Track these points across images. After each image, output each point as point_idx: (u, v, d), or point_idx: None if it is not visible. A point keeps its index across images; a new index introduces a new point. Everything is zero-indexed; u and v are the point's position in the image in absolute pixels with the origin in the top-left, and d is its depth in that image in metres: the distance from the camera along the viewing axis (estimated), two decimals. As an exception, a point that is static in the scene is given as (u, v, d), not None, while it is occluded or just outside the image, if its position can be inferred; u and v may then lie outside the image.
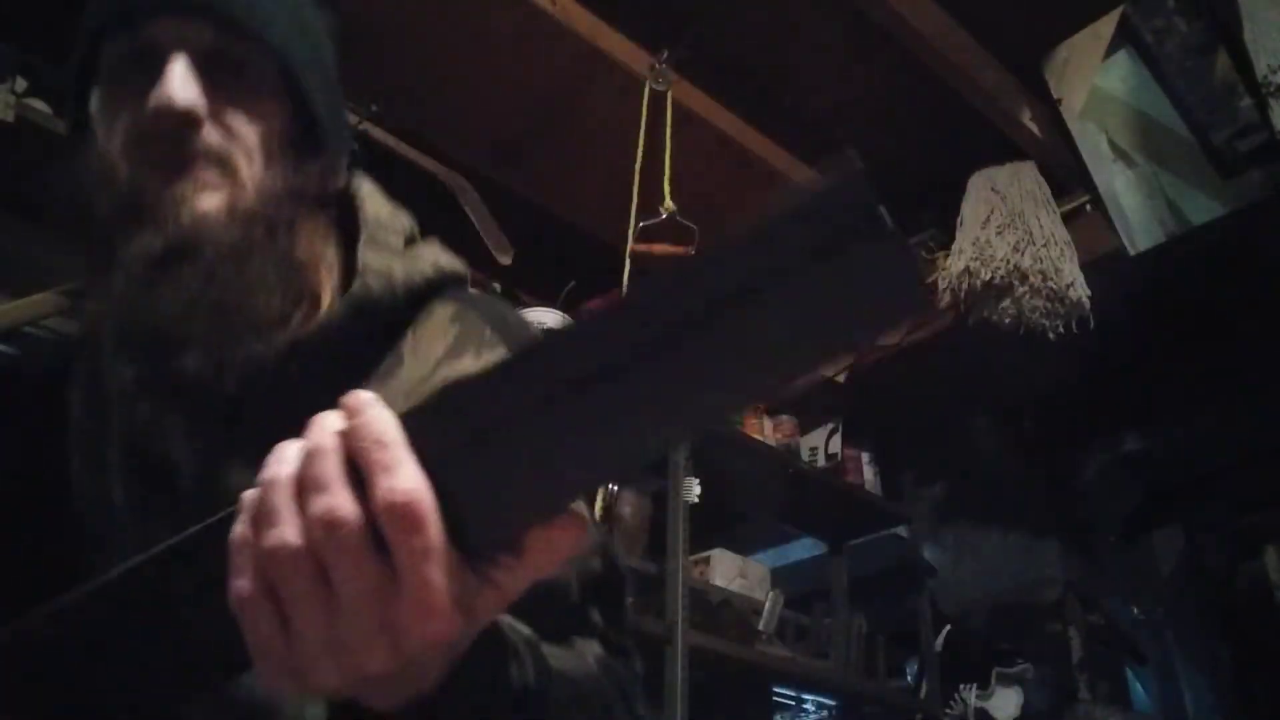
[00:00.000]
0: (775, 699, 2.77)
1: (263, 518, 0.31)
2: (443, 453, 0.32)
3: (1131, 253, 2.30)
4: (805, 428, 2.76)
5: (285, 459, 0.33)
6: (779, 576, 2.61)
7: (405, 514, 0.30)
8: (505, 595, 0.34)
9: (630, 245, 2.01)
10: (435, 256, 0.65)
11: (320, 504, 0.31)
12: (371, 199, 0.68)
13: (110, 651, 0.38)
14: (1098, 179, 2.33)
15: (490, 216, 2.20)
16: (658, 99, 2.15)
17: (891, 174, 2.58)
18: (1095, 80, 2.28)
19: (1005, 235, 2.29)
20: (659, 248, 2.03)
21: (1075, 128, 2.34)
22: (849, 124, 2.40)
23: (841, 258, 0.31)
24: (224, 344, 0.55)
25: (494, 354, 0.59)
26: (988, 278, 2.26)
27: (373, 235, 0.64)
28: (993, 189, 2.38)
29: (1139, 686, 3.14)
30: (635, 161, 2.08)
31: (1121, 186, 2.31)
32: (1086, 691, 2.78)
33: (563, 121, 2.28)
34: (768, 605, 2.34)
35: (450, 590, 0.31)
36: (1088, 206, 2.42)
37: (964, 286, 2.29)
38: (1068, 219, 2.39)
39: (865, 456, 2.79)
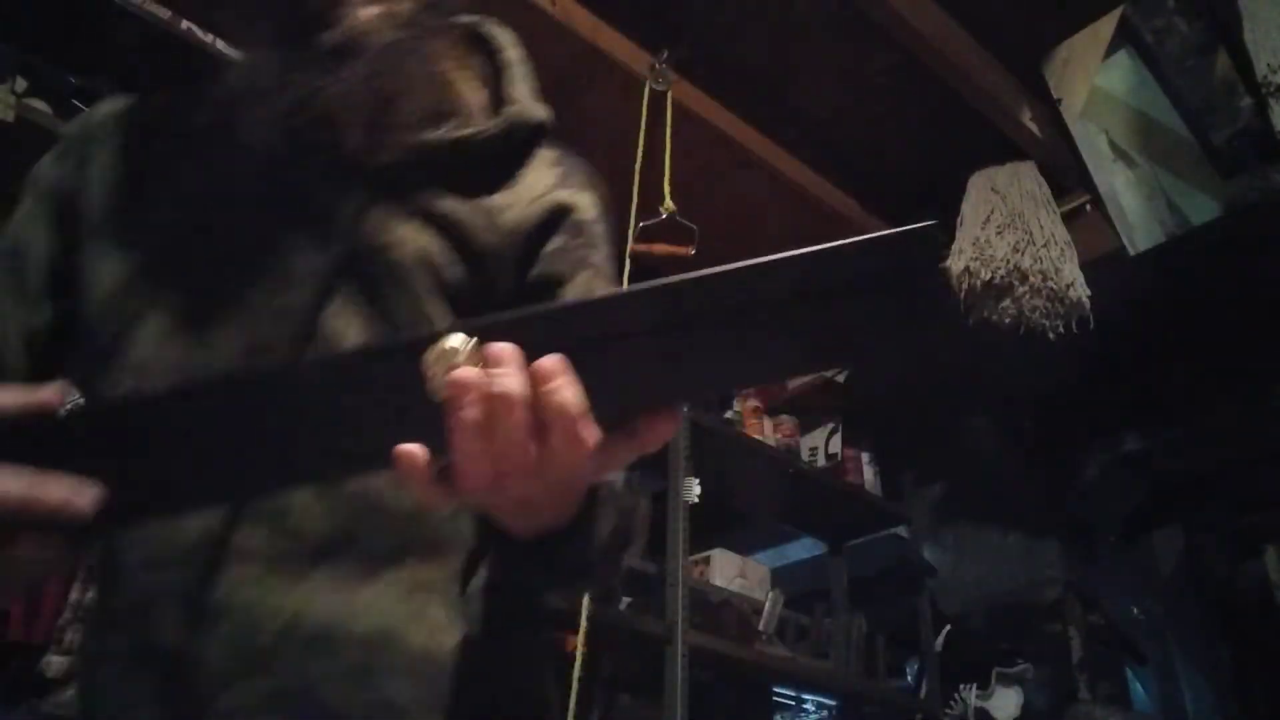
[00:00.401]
0: (775, 699, 2.78)
1: (494, 368, 0.41)
2: (582, 348, 0.43)
3: (1131, 253, 2.30)
4: (805, 428, 2.76)
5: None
6: (779, 576, 2.61)
7: (559, 383, 0.41)
8: (617, 462, 0.46)
9: (630, 245, 2.01)
10: (545, 109, 0.77)
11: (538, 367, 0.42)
12: (513, 46, 0.80)
13: (283, 425, 0.45)
14: (1098, 179, 2.33)
15: (490, 216, 2.20)
16: (658, 99, 2.15)
17: (891, 174, 2.58)
18: (1095, 80, 2.28)
19: (1005, 235, 2.29)
20: (659, 248, 2.03)
21: (1075, 128, 2.34)
22: (849, 124, 2.40)
23: (901, 287, 0.41)
24: (386, 126, 0.65)
25: (589, 194, 0.75)
26: (988, 278, 2.26)
27: (518, 74, 0.77)
28: (993, 189, 2.38)
29: (1139, 686, 3.14)
30: (635, 161, 2.08)
31: (1121, 186, 2.31)
32: (1086, 691, 2.78)
33: (562, 122, 2.28)
34: (768, 605, 2.34)
35: (588, 445, 0.42)
36: (1088, 206, 2.42)
37: (964, 286, 2.29)
38: (1068, 219, 2.39)
39: (865, 456, 2.79)
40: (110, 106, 0.79)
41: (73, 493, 0.43)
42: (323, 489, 0.59)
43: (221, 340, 0.63)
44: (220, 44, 1.89)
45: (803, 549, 3.24)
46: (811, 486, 2.58)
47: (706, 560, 2.36)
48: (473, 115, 0.72)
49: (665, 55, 2.16)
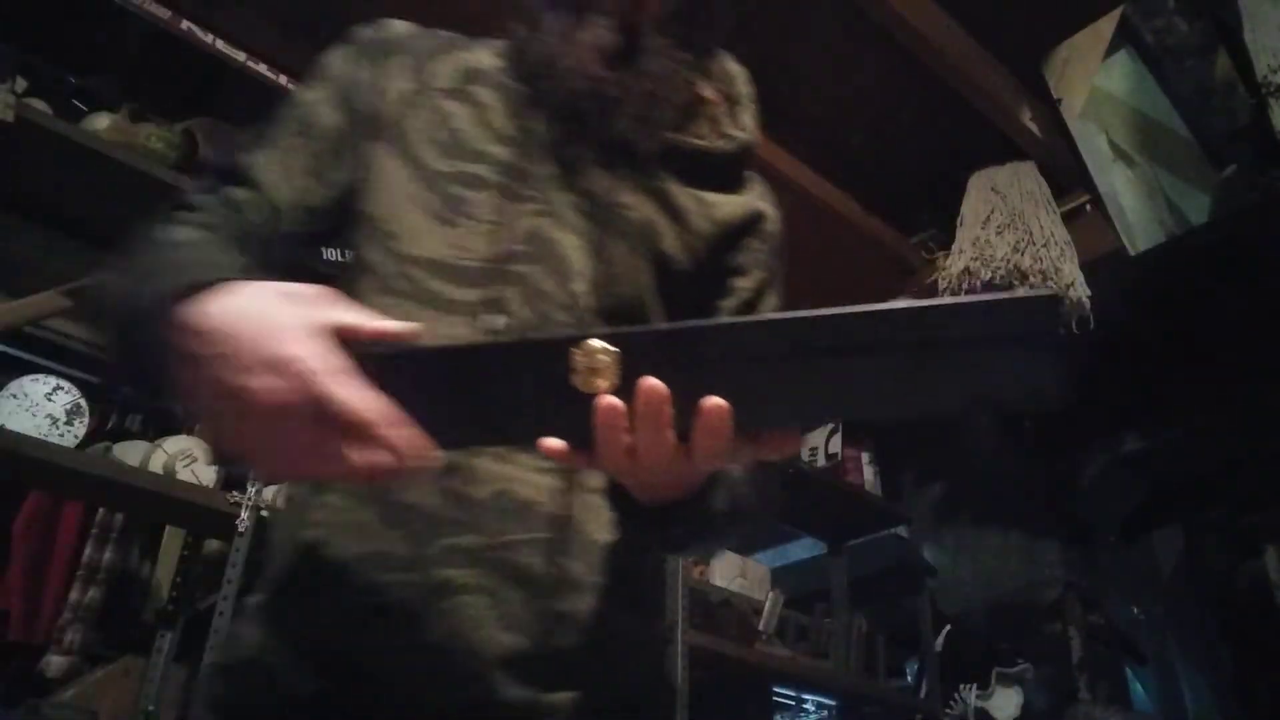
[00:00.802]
0: (775, 699, 2.78)
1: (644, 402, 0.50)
2: (724, 367, 0.49)
3: (1131, 253, 2.30)
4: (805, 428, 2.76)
5: None
6: (779, 576, 2.61)
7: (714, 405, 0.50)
8: (738, 461, 0.53)
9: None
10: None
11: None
12: (748, 81, 0.93)
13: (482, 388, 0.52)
14: (1098, 179, 2.34)
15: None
16: (658, 99, 2.15)
17: (891, 174, 2.58)
18: (1095, 80, 2.28)
19: (1005, 235, 2.29)
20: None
21: (1075, 128, 2.34)
22: (849, 124, 2.40)
23: (1024, 343, 0.46)
24: (649, 121, 0.78)
25: (776, 211, 0.88)
26: (988, 278, 2.26)
27: (748, 107, 0.90)
28: (993, 189, 2.39)
29: (1139, 686, 3.14)
30: (635, 161, 2.08)
31: (1121, 186, 2.31)
32: (1086, 691, 2.78)
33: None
34: (768, 605, 2.34)
35: (724, 448, 0.51)
36: (1088, 206, 2.42)
37: (964, 286, 2.29)
38: (1068, 219, 2.39)
39: (865, 456, 2.79)
40: (404, 28, 0.89)
41: (413, 443, 0.50)
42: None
43: (475, 241, 0.75)
44: (220, 44, 1.89)
45: (803, 549, 3.24)
46: (811, 486, 2.58)
47: (706, 560, 2.36)
48: (711, 129, 0.87)
49: (665, 55, 2.15)
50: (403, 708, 0.65)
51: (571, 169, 0.78)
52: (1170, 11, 2.14)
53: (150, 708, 1.70)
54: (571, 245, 0.76)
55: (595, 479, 0.71)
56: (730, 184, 0.86)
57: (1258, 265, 2.43)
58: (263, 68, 1.95)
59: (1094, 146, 2.33)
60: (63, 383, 1.56)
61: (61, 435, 1.53)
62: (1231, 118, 2.11)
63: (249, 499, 1.60)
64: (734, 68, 0.93)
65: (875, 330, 0.47)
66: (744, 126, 0.89)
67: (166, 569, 2.09)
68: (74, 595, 2.16)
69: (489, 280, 0.73)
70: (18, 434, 1.46)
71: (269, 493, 1.73)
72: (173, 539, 2.14)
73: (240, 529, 1.58)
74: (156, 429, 2.39)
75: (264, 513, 1.62)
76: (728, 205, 0.84)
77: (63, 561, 2.29)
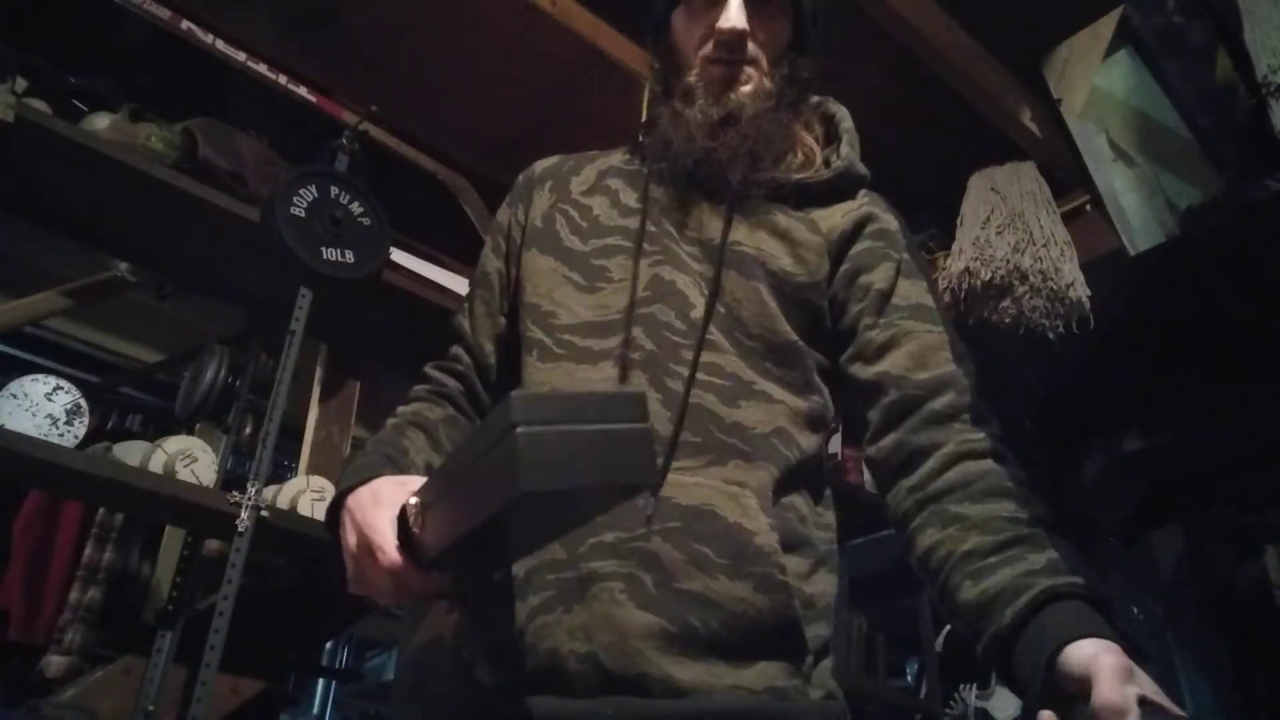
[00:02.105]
0: (775, 699, 2.77)
1: None
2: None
3: (1131, 253, 2.30)
4: (805, 428, 2.76)
5: None
6: (779, 576, 2.61)
7: None
8: None
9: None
10: (864, 167, 1.04)
11: None
12: (847, 119, 1.07)
13: None
14: (1098, 179, 2.33)
15: (490, 216, 2.20)
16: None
17: (891, 174, 2.57)
18: (1095, 80, 2.28)
19: (1005, 235, 2.29)
20: (659, 248, 2.03)
21: (1075, 128, 2.34)
22: (849, 124, 2.40)
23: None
24: (754, 170, 0.94)
25: (891, 214, 1.00)
26: (988, 278, 2.26)
27: (850, 139, 1.04)
28: (993, 189, 2.38)
29: (1139, 686, 3.13)
30: (635, 161, 2.08)
31: (1121, 186, 2.31)
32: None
33: (562, 121, 2.29)
34: (768, 605, 2.34)
35: None
36: (1088, 206, 2.42)
37: (964, 286, 2.29)
38: (1068, 219, 2.39)
39: (865, 456, 2.79)
40: (548, 162, 1.10)
41: (416, 586, 0.72)
42: (670, 400, 0.84)
43: (613, 298, 0.91)
44: (220, 44, 1.89)
45: (803, 549, 3.23)
46: (811, 486, 2.57)
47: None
48: (813, 163, 1.01)
49: (665, 55, 2.16)
50: (569, 683, 0.76)
51: (686, 224, 0.94)
52: (1170, 11, 2.14)
53: (150, 708, 1.70)
54: (685, 283, 0.90)
55: (740, 474, 0.83)
56: (839, 198, 0.99)
57: (1258, 265, 2.42)
58: (263, 68, 1.95)
59: (1094, 146, 2.33)
60: (63, 383, 1.56)
61: (61, 435, 1.53)
62: (1232, 118, 2.11)
63: (249, 499, 1.60)
64: (834, 108, 1.08)
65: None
66: (843, 156, 1.01)
67: (166, 569, 2.09)
68: (74, 595, 2.16)
69: (623, 327, 0.89)
70: (18, 434, 1.46)
71: (269, 493, 1.73)
72: (173, 539, 2.14)
73: (240, 529, 1.58)
74: (156, 429, 2.39)
75: (264, 513, 1.62)
76: (833, 216, 0.97)
77: (63, 561, 2.29)
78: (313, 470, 1.97)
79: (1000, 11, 2.18)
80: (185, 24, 1.84)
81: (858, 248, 0.96)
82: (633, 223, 0.95)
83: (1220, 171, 2.16)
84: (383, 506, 0.73)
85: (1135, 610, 3.23)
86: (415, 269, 2.08)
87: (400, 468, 0.84)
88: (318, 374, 2.14)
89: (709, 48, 0.97)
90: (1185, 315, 2.64)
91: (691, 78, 0.98)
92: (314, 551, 1.86)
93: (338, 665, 4.90)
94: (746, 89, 0.97)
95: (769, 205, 0.96)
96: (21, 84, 1.65)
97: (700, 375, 0.85)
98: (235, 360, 1.95)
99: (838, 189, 0.99)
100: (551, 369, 0.90)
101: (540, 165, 1.09)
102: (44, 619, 2.23)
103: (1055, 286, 2.23)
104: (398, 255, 2.03)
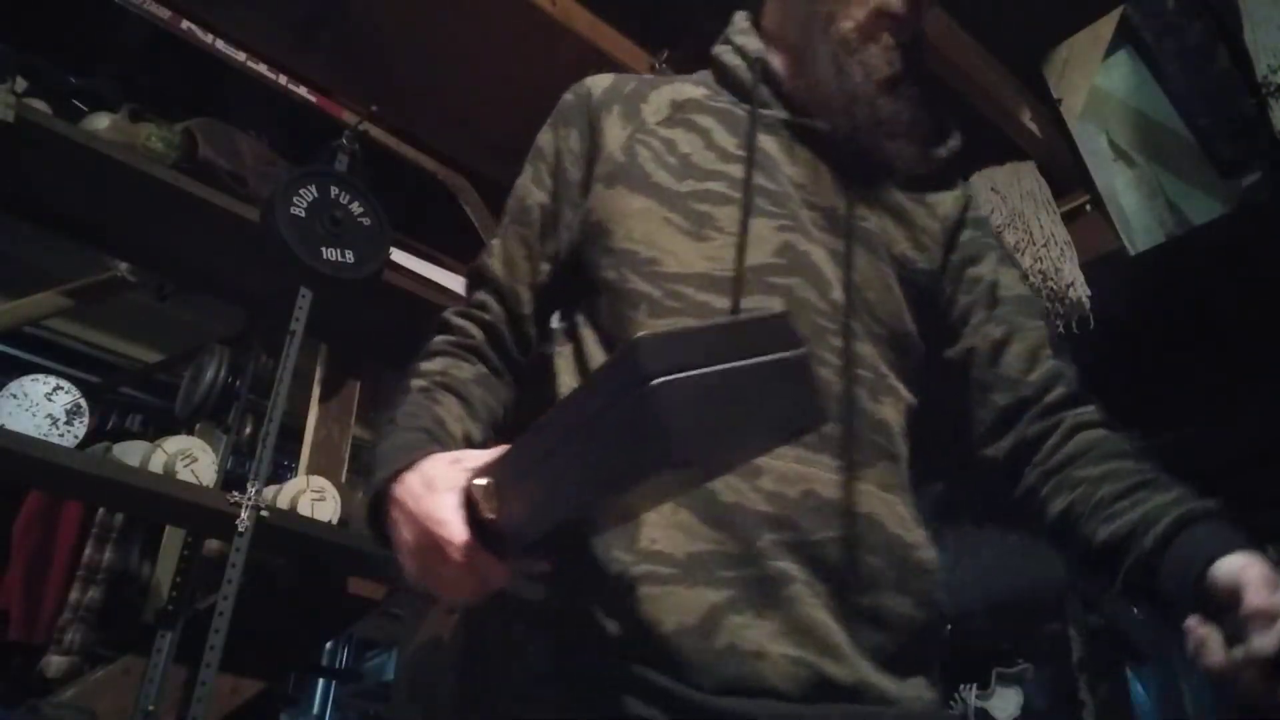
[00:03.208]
0: (775, 699, 2.77)
1: None
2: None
3: (1131, 253, 2.30)
4: (805, 428, 2.76)
5: None
6: (779, 576, 2.61)
7: None
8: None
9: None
10: None
11: None
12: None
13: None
14: (1098, 179, 2.33)
15: (490, 216, 2.20)
16: (658, 99, 2.15)
17: (891, 174, 2.57)
18: (1095, 80, 2.28)
19: (1005, 235, 2.29)
20: (659, 248, 2.03)
21: (1075, 128, 2.34)
22: (849, 124, 2.40)
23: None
24: (908, 142, 0.89)
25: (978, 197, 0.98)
26: (988, 278, 2.26)
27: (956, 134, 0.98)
28: (993, 189, 2.38)
29: (1139, 686, 3.14)
30: (635, 161, 2.08)
31: (1121, 186, 2.31)
32: (1086, 692, 2.78)
33: (563, 121, 2.28)
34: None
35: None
36: (1088, 206, 2.42)
37: (964, 286, 2.29)
38: (1068, 219, 2.38)
39: (865, 456, 2.79)
40: (603, 83, 0.96)
41: (493, 571, 0.63)
42: (823, 390, 0.76)
43: (729, 253, 0.80)
44: (220, 44, 1.89)
45: (803, 549, 3.23)
46: (811, 486, 2.57)
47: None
48: (929, 143, 0.94)
49: (665, 55, 2.16)
50: (777, 687, 0.69)
51: (804, 185, 0.86)
52: (1170, 11, 2.14)
53: (150, 708, 1.70)
54: (821, 258, 0.82)
55: (889, 477, 0.79)
56: (946, 184, 0.95)
57: (1258, 265, 2.42)
58: (263, 68, 1.95)
59: (1094, 146, 2.33)
60: (63, 383, 1.56)
61: (61, 435, 1.53)
62: (1232, 118, 2.11)
63: (249, 499, 1.60)
64: (940, 89, 1.03)
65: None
66: (954, 133, 0.97)
67: (166, 569, 2.10)
68: (74, 595, 2.16)
69: (752, 290, 0.79)
70: (18, 434, 1.46)
71: (269, 493, 1.73)
72: (173, 539, 2.14)
73: (240, 529, 1.58)
74: (156, 429, 2.39)
75: (264, 513, 1.62)
76: (945, 202, 0.94)
77: (63, 561, 2.29)
78: (313, 470, 1.97)
79: (1000, 11, 2.17)
80: (185, 24, 1.84)
81: (965, 236, 0.93)
82: (738, 170, 0.84)
83: (1220, 171, 2.16)
84: (439, 491, 0.64)
85: (1135, 610, 3.23)
86: (415, 269, 2.08)
87: (440, 443, 0.75)
88: (318, 374, 2.14)
89: (889, 1, 0.89)
90: (1185, 315, 2.64)
91: (849, 25, 0.88)
92: (314, 551, 1.86)
93: (338, 665, 4.89)
94: (899, 53, 0.90)
95: (884, 181, 0.89)
96: (21, 84, 1.65)
97: (849, 366, 0.79)
98: (235, 360, 1.95)
99: (949, 169, 0.95)
100: (670, 325, 0.78)
101: (596, 85, 0.95)
102: (44, 619, 2.23)
103: (1055, 286, 2.23)
104: (398, 255, 2.03)
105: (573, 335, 0.87)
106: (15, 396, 1.51)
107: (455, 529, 0.61)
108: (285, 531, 1.68)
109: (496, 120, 2.32)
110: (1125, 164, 2.30)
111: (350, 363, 2.19)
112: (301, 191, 1.80)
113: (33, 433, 1.49)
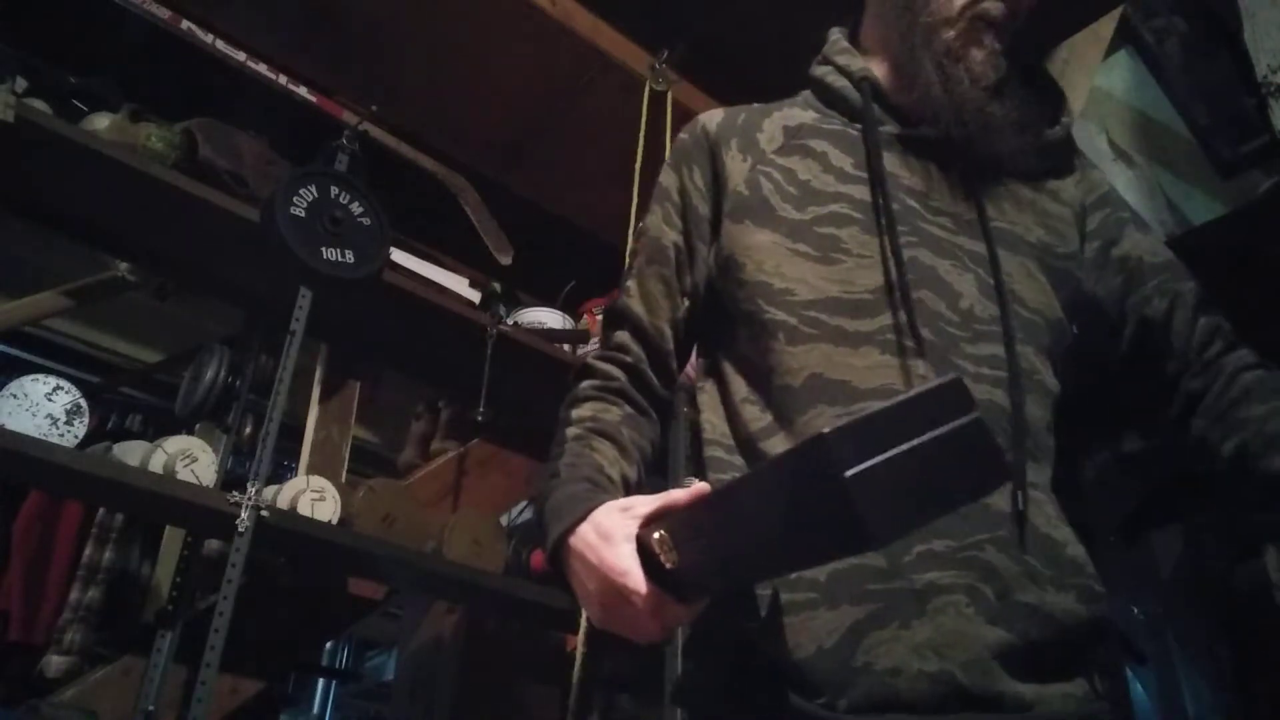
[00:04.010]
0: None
1: None
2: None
3: (1131, 253, 2.30)
4: (805, 428, 2.76)
5: None
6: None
7: None
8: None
9: (630, 245, 2.01)
10: None
11: None
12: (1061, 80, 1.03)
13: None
14: (1098, 179, 2.33)
15: (490, 216, 2.20)
16: (658, 99, 2.15)
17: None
18: (1095, 80, 2.28)
19: (1005, 235, 2.29)
20: (659, 248, 2.03)
21: (1075, 128, 2.34)
22: (849, 124, 2.40)
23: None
24: (1021, 140, 0.90)
25: (1098, 171, 1.02)
26: (988, 278, 2.26)
27: (1069, 99, 1.01)
28: (993, 189, 2.38)
29: (1139, 686, 3.14)
30: (635, 161, 2.08)
31: (1121, 186, 2.31)
32: (1086, 691, 2.77)
33: (563, 121, 2.28)
34: (768, 605, 2.34)
35: None
36: (1088, 206, 2.42)
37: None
38: (1068, 219, 2.39)
39: (865, 456, 2.78)
40: (717, 118, 0.98)
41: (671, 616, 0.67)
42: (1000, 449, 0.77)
43: (859, 274, 0.83)
44: (220, 44, 1.89)
45: (803, 549, 3.23)
46: (811, 486, 2.57)
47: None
48: (1040, 133, 0.94)
49: (665, 55, 2.16)
50: (913, 702, 0.70)
51: (928, 196, 0.88)
52: (1170, 11, 2.14)
53: (150, 708, 1.70)
54: (946, 268, 0.84)
55: (1034, 477, 0.80)
56: (1065, 168, 0.96)
57: (1258, 265, 2.42)
58: (263, 68, 1.95)
59: (1094, 146, 2.33)
60: (63, 383, 1.56)
61: (61, 435, 1.53)
62: (1232, 118, 2.11)
63: (249, 499, 1.60)
64: (1048, 71, 1.03)
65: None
66: (1068, 112, 0.99)
67: (166, 569, 2.10)
68: (74, 595, 2.16)
69: (883, 309, 0.81)
70: (18, 434, 1.46)
71: (269, 493, 1.73)
72: (173, 539, 2.14)
73: (240, 529, 1.58)
74: (156, 429, 2.39)
75: (264, 513, 1.62)
76: (1068, 187, 0.95)
77: (63, 561, 2.29)
78: (313, 470, 1.97)
79: (1000, 11, 2.17)
80: (185, 24, 1.84)
81: (1096, 219, 0.94)
82: (858, 191, 0.87)
83: (1220, 171, 2.16)
84: (615, 541, 0.68)
85: (1135, 610, 3.23)
86: (415, 269, 2.08)
87: (604, 489, 0.79)
88: (318, 374, 2.14)
89: (989, 7, 0.89)
90: (1185, 315, 2.64)
91: (950, 33, 0.90)
92: (314, 551, 1.86)
93: (338, 665, 4.90)
94: (980, 53, 0.90)
95: (1003, 176, 0.91)
96: (21, 84, 1.65)
97: (985, 370, 0.80)
98: (235, 360, 1.95)
99: (1066, 154, 0.97)
100: (806, 351, 0.81)
101: (711, 121, 0.98)
102: (44, 619, 2.23)
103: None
104: (398, 255, 2.03)
105: (714, 371, 0.91)
106: (15, 396, 1.51)
107: (637, 579, 0.65)
108: (285, 531, 1.68)
109: (496, 120, 2.32)
110: (1125, 164, 2.30)
111: (350, 363, 2.19)
112: (301, 191, 1.80)
113: (33, 433, 1.49)
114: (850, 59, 0.98)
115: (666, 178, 0.98)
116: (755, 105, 1.00)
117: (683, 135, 1.00)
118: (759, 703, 0.75)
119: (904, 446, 0.46)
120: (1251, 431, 0.83)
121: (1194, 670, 3.15)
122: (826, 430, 0.46)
